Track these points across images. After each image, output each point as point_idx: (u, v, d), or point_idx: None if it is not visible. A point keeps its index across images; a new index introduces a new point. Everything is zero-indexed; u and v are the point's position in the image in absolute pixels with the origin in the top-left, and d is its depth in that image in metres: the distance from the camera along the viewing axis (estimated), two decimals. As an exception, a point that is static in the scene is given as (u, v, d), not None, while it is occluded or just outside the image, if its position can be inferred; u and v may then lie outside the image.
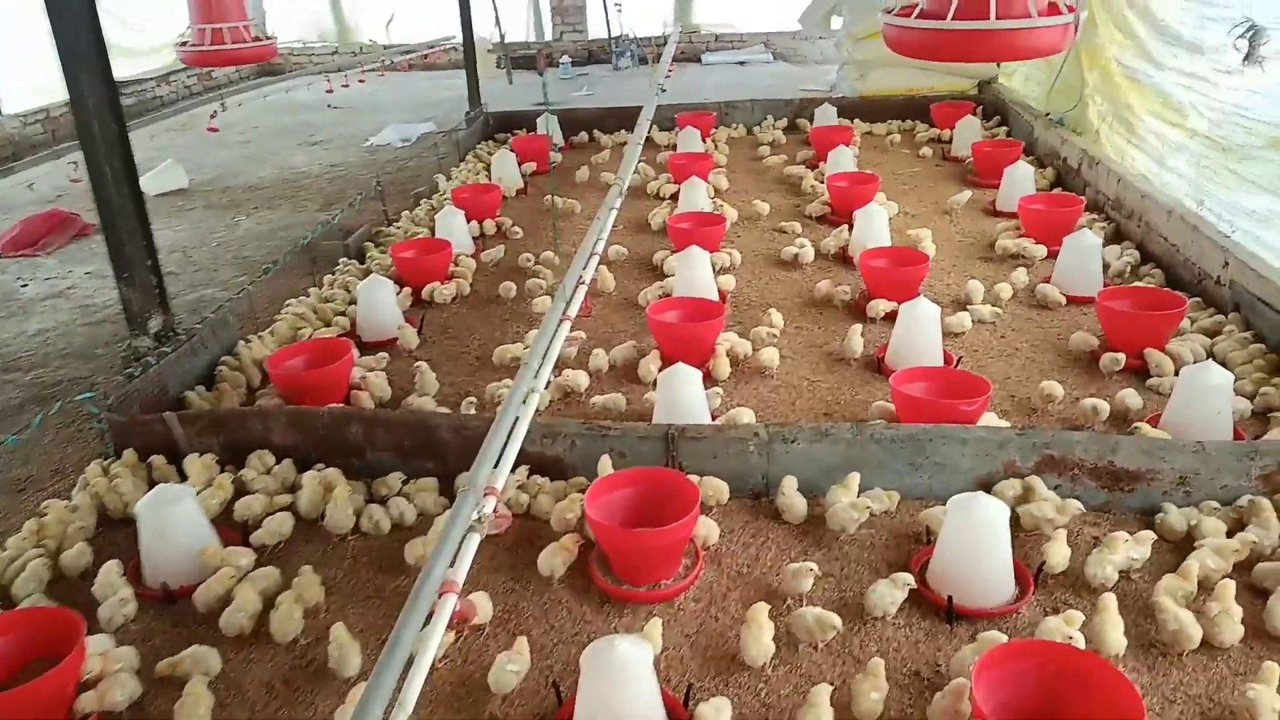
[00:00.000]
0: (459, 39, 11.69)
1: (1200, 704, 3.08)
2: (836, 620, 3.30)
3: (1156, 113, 6.82)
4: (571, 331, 5.03)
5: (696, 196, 7.68)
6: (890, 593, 3.42)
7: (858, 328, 5.48)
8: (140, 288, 5.11)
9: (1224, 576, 3.49)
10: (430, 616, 2.56)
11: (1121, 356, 5.04)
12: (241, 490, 4.31)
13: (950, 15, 3.44)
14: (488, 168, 9.59)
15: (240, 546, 3.91)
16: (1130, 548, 3.59)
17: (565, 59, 16.62)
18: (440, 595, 2.65)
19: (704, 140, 9.82)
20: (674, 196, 8.24)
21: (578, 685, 2.96)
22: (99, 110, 4.81)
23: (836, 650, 3.36)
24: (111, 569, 3.69)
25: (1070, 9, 3.54)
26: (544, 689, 3.25)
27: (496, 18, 15.65)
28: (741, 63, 16.55)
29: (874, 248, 6.38)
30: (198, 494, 4.14)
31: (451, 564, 2.73)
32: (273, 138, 12.58)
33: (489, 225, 7.84)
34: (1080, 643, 3.16)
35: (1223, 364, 4.85)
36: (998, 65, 10.60)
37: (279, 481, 4.37)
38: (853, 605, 3.58)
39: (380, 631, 3.52)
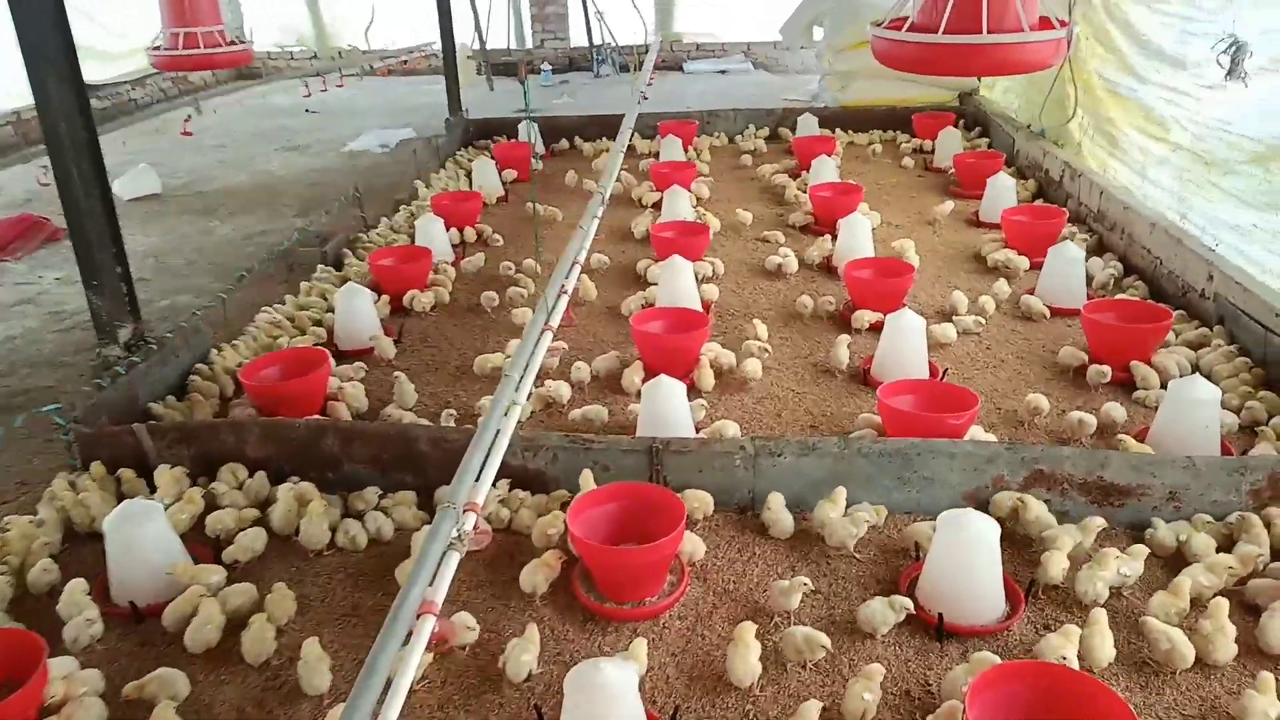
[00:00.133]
0: (439, 45, 11.59)
1: (1195, 724, 3.04)
2: (825, 640, 3.23)
3: (1139, 126, 6.84)
4: (554, 342, 4.95)
5: (679, 205, 7.62)
6: (884, 612, 3.35)
7: (844, 339, 5.43)
8: (110, 295, 4.99)
9: (1216, 593, 3.45)
10: (409, 637, 2.47)
11: (1108, 369, 5.02)
12: (213, 505, 4.18)
13: (941, 29, 3.39)
14: (468, 174, 9.49)
15: (211, 564, 3.78)
16: (1123, 564, 3.55)
17: (546, 66, 16.56)
18: (419, 616, 2.57)
19: (686, 149, 9.77)
20: (656, 205, 8.18)
21: (562, 708, 2.87)
22: (67, 114, 4.70)
23: (825, 670, 3.29)
24: (77, 587, 3.56)
25: (1063, 24, 3.51)
26: (526, 711, 3.15)
27: (477, 24, 15.57)
28: (723, 71, 16.55)
29: (858, 259, 6.34)
30: (167, 508, 4.02)
31: (431, 583, 2.65)
32: (249, 142, 12.42)
33: (469, 233, 7.74)
34: (1073, 661, 3.10)
35: (1208, 377, 4.84)
36: (978, 79, 10.64)
37: (252, 495, 4.25)
38: (841, 623, 3.52)
39: (357, 651, 3.42)
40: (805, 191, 8.25)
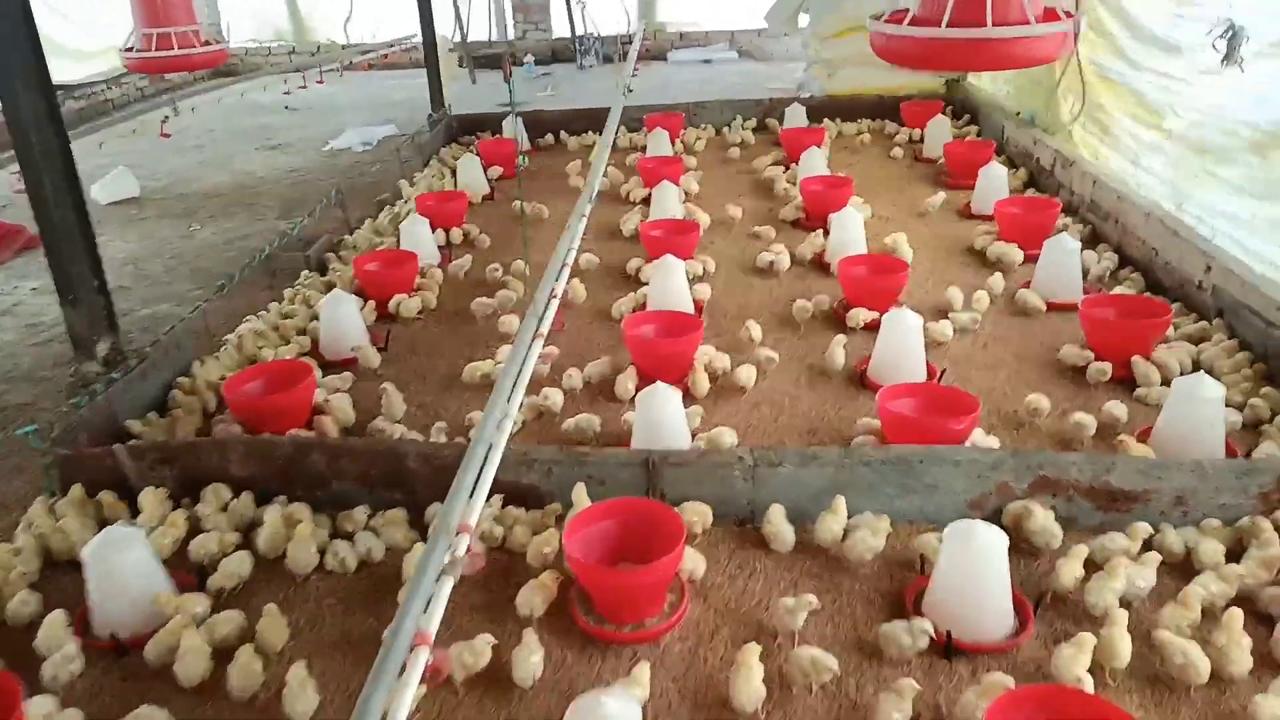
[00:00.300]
0: (419, 38, 11.40)
1: (1212, 741, 2.97)
2: (833, 662, 3.14)
3: (1131, 113, 6.74)
4: (544, 347, 4.83)
5: (668, 202, 7.50)
6: (904, 637, 3.24)
7: (840, 339, 5.32)
8: (86, 310, 4.85)
9: (1229, 603, 3.38)
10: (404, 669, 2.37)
11: (1108, 367, 4.94)
12: (196, 528, 4.06)
13: (944, 22, 3.27)
14: (453, 172, 9.34)
15: (195, 592, 3.66)
16: (1135, 573, 3.47)
17: (529, 58, 16.36)
18: (413, 649, 2.46)
19: (673, 142, 9.64)
20: (645, 201, 8.06)
21: (563, 743, 2.77)
22: (37, 122, 4.55)
23: (832, 693, 3.19)
24: (57, 621, 3.43)
25: (1069, 15, 3.40)
26: (527, 740, 3.06)
27: (458, 16, 15.36)
28: (707, 61, 16.39)
29: (852, 255, 6.24)
30: (150, 533, 3.89)
31: (425, 610, 2.55)
32: (229, 142, 12.22)
33: (455, 234, 7.60)
34: (1088, 682, 3.02)
35: (1209, 373, 4.76)
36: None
37: (236, 517, 4.12)
38: (846, 642, 3.42)
39: (347, 681, 3.31)
40: (795, 185, 8.14)
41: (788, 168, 8.91)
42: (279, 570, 3.89)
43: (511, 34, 17.47)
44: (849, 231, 6.65)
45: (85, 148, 11.16)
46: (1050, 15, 3.41)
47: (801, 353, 5.55)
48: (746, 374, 5.09)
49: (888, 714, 2.95)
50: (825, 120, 10.35)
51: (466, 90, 14.28)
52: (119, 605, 3.55)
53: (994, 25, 3.24)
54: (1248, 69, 5.37)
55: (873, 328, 5.62)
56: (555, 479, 4.08)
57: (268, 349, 5.63)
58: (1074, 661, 3.11)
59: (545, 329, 4.14)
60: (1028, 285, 6.13)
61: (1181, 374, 4.87)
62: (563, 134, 10.55)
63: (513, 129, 10.03)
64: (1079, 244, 6.11)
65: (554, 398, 4.94)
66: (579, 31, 16.61)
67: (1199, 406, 4.24)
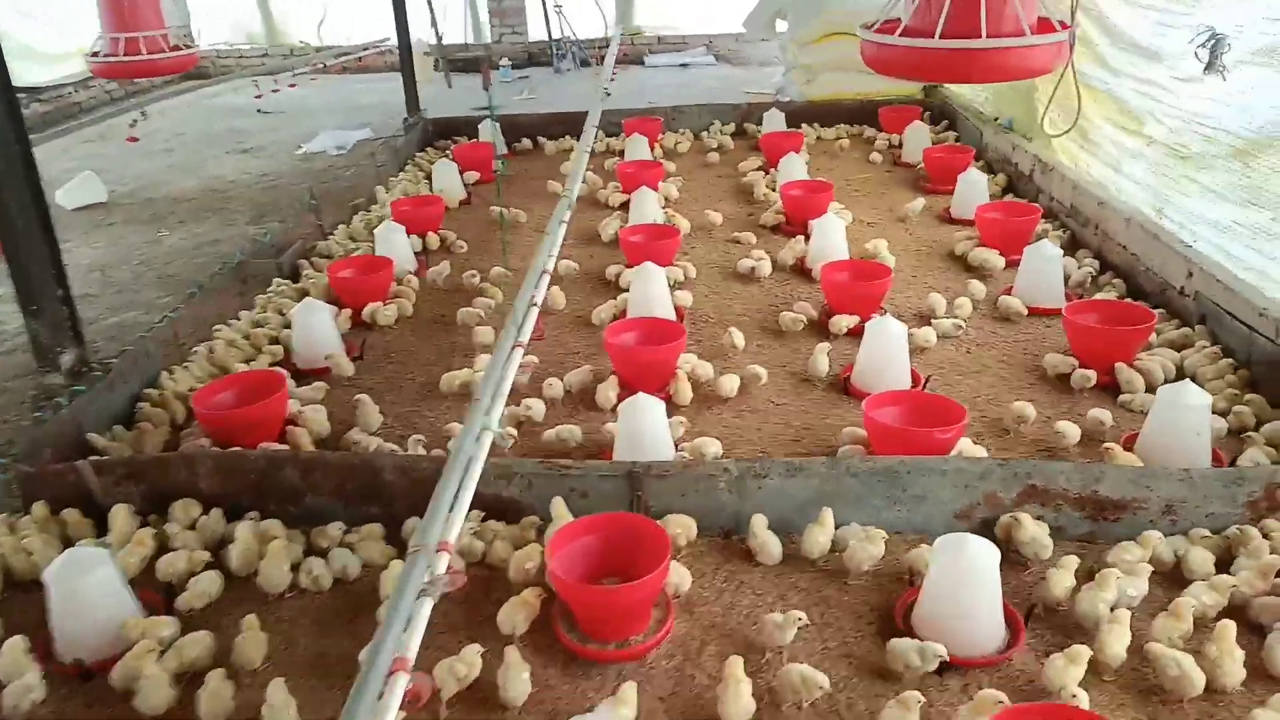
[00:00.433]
0: (394, 41, 11.26)
1: (1207, 757, 2.92)
2: (824, 679, 3.06)
3: (1112, 119, 6.74)
4: (524, 357, 4.73)
5: (647, 207, 7.42)
6: (914, 658, 3.15)
7: (824, 346, 5.26)
8: (49, 321, 4.69)
9: (1220, 614, 3.34)
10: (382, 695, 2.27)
11: (1093, 374, 4.90)
12: (165, 546, 3.92)
13: (938, 33, 3.19)
14: (428, 176, 9.22)
15: (164, 615, 3.54)
16: (1126, 583, 3.42)
17: (505, 62, 16.24)
18: (391, 673, 2.37)
19: (652, 147, 9.57)
20: (624, 206, 7.97)
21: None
22: (-3, 126, 4.39)
23: (823, 710, 3.12)
24: (17, 647, 3.29)
25: (1064, 25, 3.34)
26: (509, 768, 2.96)
27: (433, 19, 15.22)
28: (684, 65, 16.34)
29: (834, 261, 6.19)
30: (116, 552, 3.76)
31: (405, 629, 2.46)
32: (199, 146, 12.01)
33: (432, 239, 7.48)
34: (1083, 699, 2.97)
35: (1192, 379, 4.75)
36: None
37: (207, 534, 3.99)
38: (835, 656, 3.36)
39: (321, 708, 3.18)
40: (775, 189, 8.09)
41: (767, 172, 8.87)
42: (251, 589, 3.77)
43: (487, 37, 17.33)
44: (830, 237, 6.60)
45: (51, 152, 10.94)
46: (1045, 26, 3.35)
47: (784, 359, 5.48)
48: (730, 384, 5.01)
49: None
50: (804, 125, 10.31)
51: (442, 94, 14.14)
52: (83, 629, 3.43)
53: (989, 36, 3.17)
54: (1229, 77, 5.36)
55: (856, 334, 5.59)
56: (536, 492, 3.99)
57: (238, 359, 5.50)
58: (1066, 673, 3.06)
59: (525, 337, 4.06)
60: (1009, 291, 6.10)
61: (1165, 380, 4.86)
62: (540, 139, 10.45)
63: (489, 133, 9.91)
64: (1060, 251, 6.10)
65: (535, 408, 4.85)
66: (555, 35, 16.51)
67: (1185, 414, 4.21)
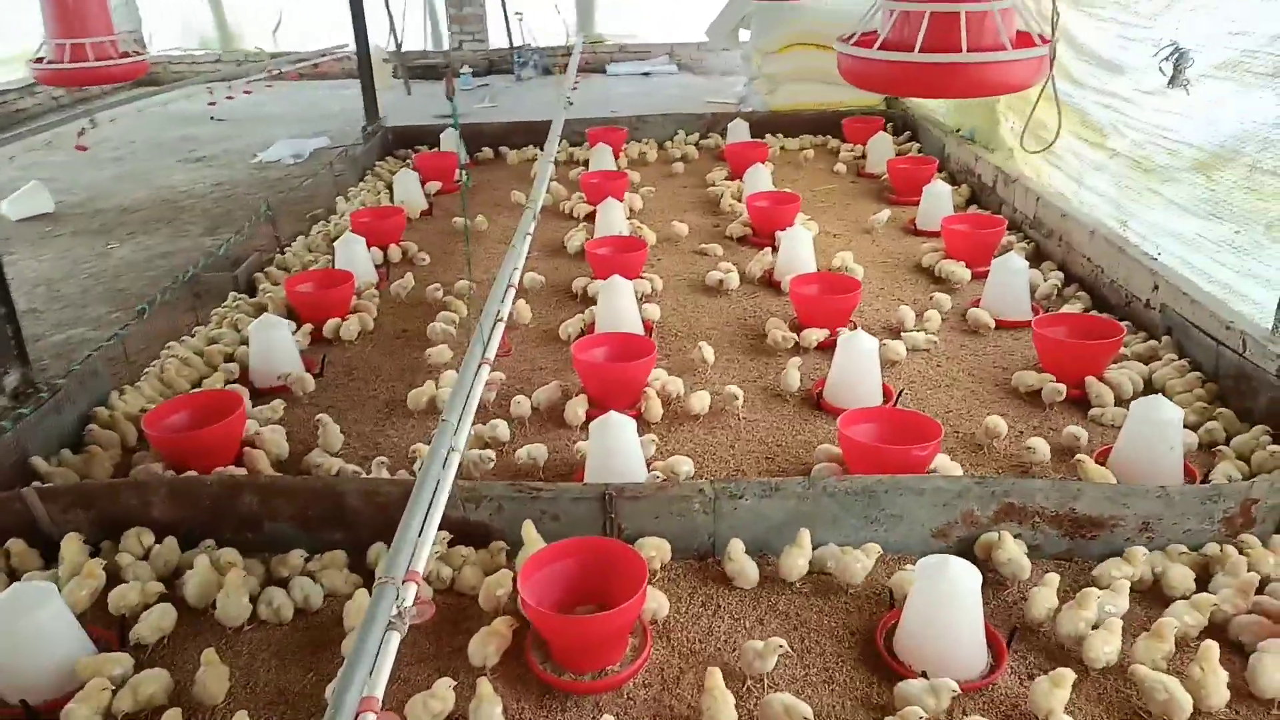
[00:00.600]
0: (352, 47, 11.05)
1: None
2: (807, 710, 2.98)
3: (1075, 132, 6.78)
4: (490, 373, 4.61)
5: (613, 219, 7.34)
6: (928, 699, 3.04)
7: (795, 361, 5.22)
8: (-8, 339, 4.49)
9: (1201, 633, 3.32)
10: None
11: (1063, 388, 4.90)
12: (116, 577, 3.74)
13: (918, 47, 3.14)
14: (389, 186, 9.05)
15: (116, 651, 3.36)
16: (1105, 601, 3.39)
17: (466, 69, 16.07)
18: (359, 716, 2.25)
19: (616, 157, 9.49)
20: (589, 217, 7.88)
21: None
22: (-64, 138, 4.17)
23: (806, 741, 3.04)
24: (-44, 690, 3.12)
25: (1044, 40, 3.31)
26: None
27: (392, 25, 15.00)
28: (647, 74, 16.29)
29: (803, 274, 6.15)
30: (64, 585, 3.58)
31: (371, 672, 2.33)
32: (150, 154, 11.70)
33: (394, 251, 7.32)
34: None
35: (1161, 392, 4.77)
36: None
37: (160, 564, 3.82)
38: (816, 682, 3.28)
39: (285, 747, 3.05)
40: (741, 200, 8.05)
41: (731, 180, 8.83)
42: (208, 622, 3.62)
43: (447, 44, 17.14)
44: (798, 249, 6.56)
45: (-6, 161, 10.59)
46: (1024, 40, 3.32)
47: (754, 374, 5.42)
48: (700, 402, 4.93)
49: None
50: (768, 135, 10.30)
51: (401, 101, 13.94)
52: (29, 669, 3.24)
53: (969, 50, 3.12)
54: (1193, 91, 5.41)
55: (825, 348, 5.54)
56: (506, 516, 3.88)
57: (192, 378, 5.31)
58: (1052, 696, 3.02)
59: (491, 354, 3.95)
60: (977, 303, 6.10)
61: (1134, 394, 4.87)
62: (503, 148, 10.32)
63: (452, 143, 9.77)
64: (1026, 264, 6.11)
65: (501, 428, 4.72)
66: (517, 43, 16.37)
67: (1157, 429, 4.21)
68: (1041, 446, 4.45)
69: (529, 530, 3.74)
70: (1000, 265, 6.04)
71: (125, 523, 3.95)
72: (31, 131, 10.08)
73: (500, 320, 4.18)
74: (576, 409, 4.88)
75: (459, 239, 7.70)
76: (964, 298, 6.31)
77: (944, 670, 3.18)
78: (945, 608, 3.23)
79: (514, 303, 5.36)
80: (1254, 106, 5.07)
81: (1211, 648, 3.11)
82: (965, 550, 3.76)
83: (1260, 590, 3.47)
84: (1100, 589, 3.49)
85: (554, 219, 8.12)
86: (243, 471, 4.38)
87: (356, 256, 6.80)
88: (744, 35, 12.21)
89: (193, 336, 5.84)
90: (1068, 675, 3.06)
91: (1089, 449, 4.53)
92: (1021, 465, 4.48)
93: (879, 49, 3.30)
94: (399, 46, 15.30)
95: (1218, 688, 3.06)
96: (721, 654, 3.41)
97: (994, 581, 3.69)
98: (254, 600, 3.63)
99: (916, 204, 7.86)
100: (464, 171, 5.19)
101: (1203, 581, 3.63)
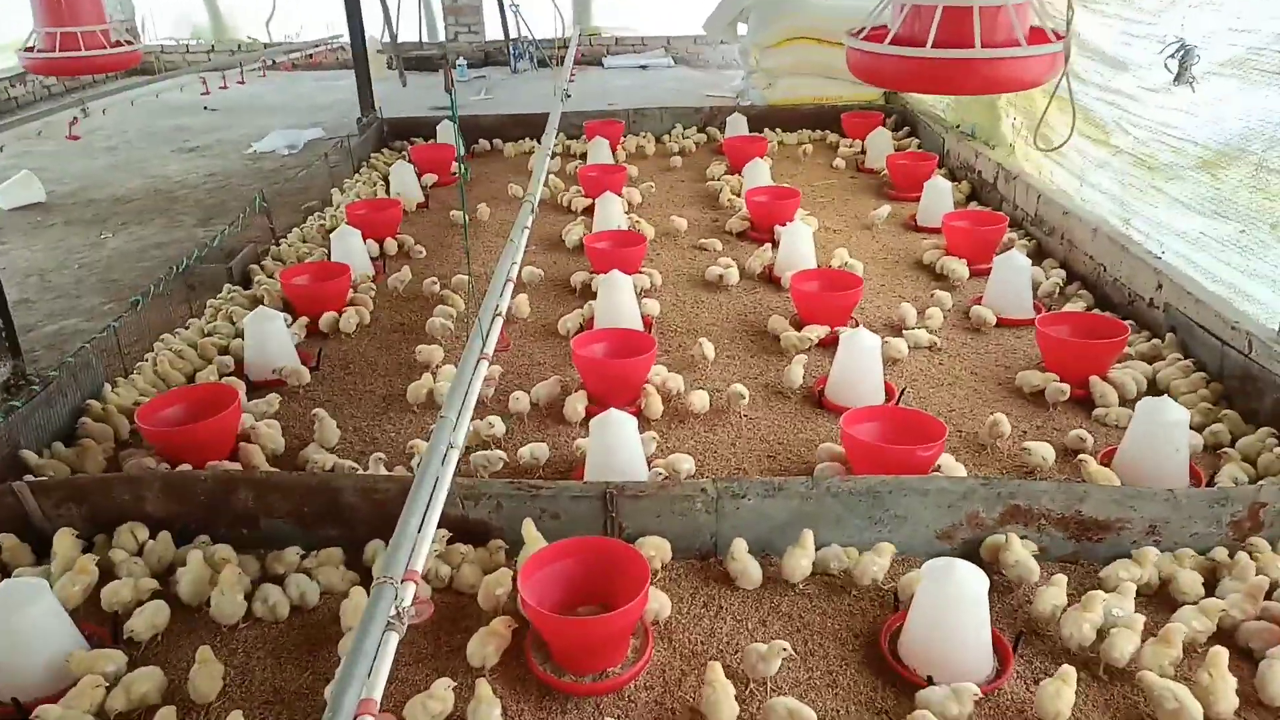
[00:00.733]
0: (347, 38, 10.95)
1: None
2: (811, 715, 2.94)
3: (1078, 128, 6.70)
4: (489, 368, 4.55)
5: (611, 213, 7.27)
6: (947, 705, 3.00)
7: (799, 358, 5.17)
8: (-18, 331, 4.41)
9: (1210, 638, 3.29)
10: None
11: (1067, 387, 4.86)
12: (109, 573, 3.68)
13: (930, 42, 3.07)
14: (384, 178, 8.98)
15: (109, 648, 3.30)
16: (1111, 604, 3.35)
17: (461, 61, 15.98)
18: (357, 718, 2.20)
19: (614, 150, 9.42)
20: (587, 211, 7.82)
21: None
22: (-74, 125, 4.09)
23: (810, 745, 3.00)
24: (-55, 688, 3.05)
25: (1059, 36, 3.25)
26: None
27: (386, 16, 14.90)
28: (643, 66, 16.23)
29: (804, 270, 6.10)
30: (56, 581, 3.52)
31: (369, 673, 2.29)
32: (143, 144, 11.60)
33: (390, 244, 7.25)
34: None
35: (1165, 392, 4.73)
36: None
37: (154, 560, 3.76)
38: (820, 686, 3.24)
39: (281, 749, 3.00)
40: (740, 195, 8.00)
41: (730, 174, 8.78)
42: (202, 619, 3.56)
43: (442, 35, 17.04)
44: (798, 245, 6.51)
45: (-15, 149, 10.48)
46: (1039, 36, 3.26)
47: (756, 371, 5.37)
48: (701, 400, 4.87)
49: None
50: (766, 130, 10.24)
51: (396, 92, 13.85)
52: (21, 666, 3.18)
53: (983, 46, 3.06)
54: (1198, 88, 5.36)
55: (826, 344, 5.50)
56: (506, 514, 3.82)
57: (187, 369, 5.24)
58: (1059, 699, 2.98)
59: (490, 349, 3.89)
60: (979, 301, 6.06)
61: (1139, 393, 4.83)
62: (499, 141, 10.25)
63: (448, 135, 9.68)
64: (1029, 261, 6.07)
65: (498, 426, 4.66)
66: (512, 35, 16.28)
67: (1163, 430, 4.17)
68: (1038, 448, 4.40)
69: (529, 529, 3.68)
70: (1003, 263, 6.00)
71: (118, 518, 3.89)
72: (22, 120, 9.96)
73: (499, 315, 4.13)
74: (576, 405, 4.82)
75: (456, 232, 7.64)
76: (965, 295, 6.27)
77: (950, 675, 3.14)
78: (951, 612, 3.19)
79: (512, 297, 5.30)
80: (1260, 104, 5.04)
81: (1220, 653, 3.08)
82: (970, 552, 3.72)
83: (1269, 596, 3.43)
84: (1107, 591, 3.46)
85: (551, 212, 8.06)
86: (238, 466, 4.33)
87: (352, 249, 6.73)
88: (742, 29, 12.13)
89: (187, 329, 5.76)
90: (1071, 673, 3.02)
91: (1093, 450, 4.49)
92: (1025, 466, 4.43)
93: (890, 44, 3.24)
94: (394, 38, 15.20)
95: (1226, 694, 3.02)
96: (724, 656, 3.36)
97: (999, 585, 3.65)
98: (249, 597, 3.57)
99: (916, 200, 7.82)
100: (463, 164, 5.11)
101: (1210, 586, 3.60)
